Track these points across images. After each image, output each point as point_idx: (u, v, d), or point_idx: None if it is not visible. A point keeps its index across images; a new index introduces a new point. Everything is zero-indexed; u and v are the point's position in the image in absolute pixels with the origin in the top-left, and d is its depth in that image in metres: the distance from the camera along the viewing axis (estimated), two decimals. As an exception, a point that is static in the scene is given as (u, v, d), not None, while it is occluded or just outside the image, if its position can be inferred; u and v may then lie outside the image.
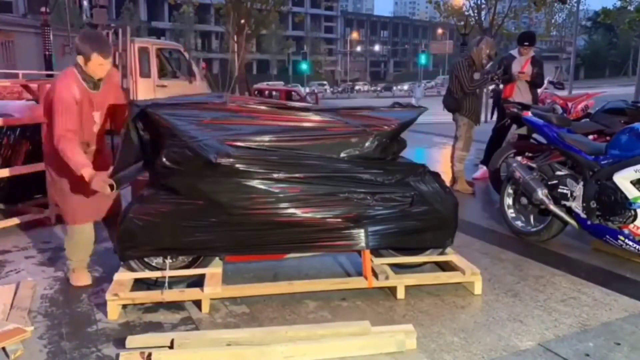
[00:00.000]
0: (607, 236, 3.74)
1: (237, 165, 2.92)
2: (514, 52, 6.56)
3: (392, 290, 3.22)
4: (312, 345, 2.52)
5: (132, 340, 2.56)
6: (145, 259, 3.19)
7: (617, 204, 3.63)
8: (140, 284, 3.15)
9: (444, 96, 6.14)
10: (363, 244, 3.14)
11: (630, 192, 3.55)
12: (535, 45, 6.56)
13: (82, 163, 2.98)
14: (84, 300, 3.18)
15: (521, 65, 6.32)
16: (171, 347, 2.52)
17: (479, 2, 15.30)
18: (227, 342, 2.53)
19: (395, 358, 2.51)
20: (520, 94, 6.27)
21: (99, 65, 3.14)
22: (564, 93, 10.83)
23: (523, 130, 5.56)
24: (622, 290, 3.29)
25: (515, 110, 4.93)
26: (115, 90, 3.47)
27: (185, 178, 2.96)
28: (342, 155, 3.13)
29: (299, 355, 2.48)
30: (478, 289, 3.24)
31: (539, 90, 8.23)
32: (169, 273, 3.05)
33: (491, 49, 5.74)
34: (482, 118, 7.75)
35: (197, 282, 3.13)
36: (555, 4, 22.12)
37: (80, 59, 3.12)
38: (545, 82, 8.58)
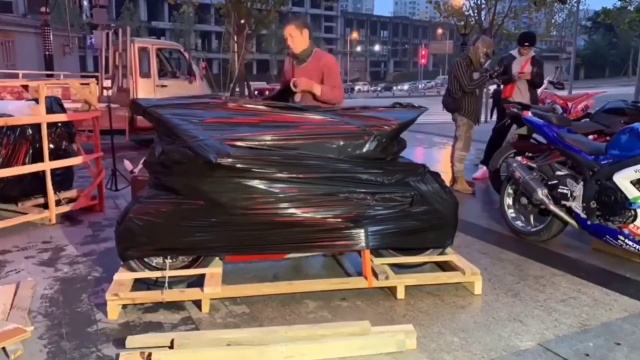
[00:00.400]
0: (607, 236, 3.74)
1: (237, 165, 2.92)
2: (514, 52, 6.56)
3: (392, 290, 3.22)
4: (311, 346, 2.52)
5: (132, 341, 2.56)
6: (145, 259, 3.19)
7: (617, 204, 3.63)
8: (140, 284, 3.15)
9: (443, 96, 6.14)
10: (363, 244, 3.14)
11: (630, 192, 3.55)
12: (536, 45, 6.57)
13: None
14: (84, 300, 3.18)
15: (521, 65, 6.32)
16: (171, 347, 2.52)
17: (479, 2, 15.30)
18: (227, 342, 2.53)
19: (395, 358, 2.51)
20: (520, 94, 6.27)
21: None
22: (564, 93, 10.84)
23: (523, 131, 5.56)
24: (622, 290, 3.29)
25: (515, 110, 4.94)
26: None
27: (185, 178, 2.96)
28: (342, 155, 3.13)
29: (298, 355, 2.48)
30: (478, 289, 3.24)
31: (539, 90, 8.23)
32: (169, 273, 3.05)
33: (488, 47, 5.74)
34: (482, 118, 7.76)
35: (197, 282, 3.13)
36: (555, 4, 22.10)
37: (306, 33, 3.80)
38: (545, 82, 8.58)
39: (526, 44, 6.28)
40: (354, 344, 2.55)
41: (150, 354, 2.40)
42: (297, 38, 3.78)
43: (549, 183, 4.07)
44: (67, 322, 2.91)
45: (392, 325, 2.76)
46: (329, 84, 3.77)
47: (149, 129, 3.18)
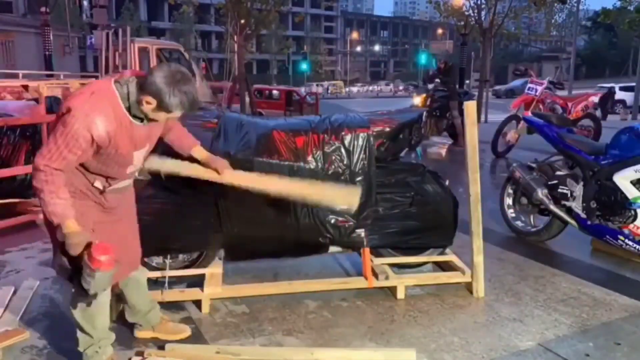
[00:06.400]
0: (607, 236, 3.74)
1: (238, 165, 2.92)
2: None
3: (392, 290, 3.22)
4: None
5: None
6: (145, 259, 3.19)
7: (617, 204, 3.63)
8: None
9: None
10: (363, 244, 3.14)
11: (630, 192, 3.55)
12: None
13: (59, 213, 2.01)
14: (84, 300, 3.18)
15: None
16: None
17: (479, 2, 15.26)
18: None
19: (393, 357, 2.51)
20: None
21: (171, 116, 2.20)
22: (564, 93, 10.84)
23: (523, 131, 5.56)
24: (622, 290, 3.29)
25: None
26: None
27: (185, 177, 2.95)
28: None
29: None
30: (478, 289, 3.24)
31: (538, 90, 8.29)
32: (169, 273, 3.05)
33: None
34: (482, 118, 7.81)
35: (197, 282, 3.13)
36: (555, 4, 22.07)
37: (147, 99, 2.08)
38: (546, 81, 8.60)
39: None
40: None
41: None
42: None
43: (549, 183, 4.07)
44: (67, 322, 2.91)
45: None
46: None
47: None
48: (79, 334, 2.35)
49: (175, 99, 2.07)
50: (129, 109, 2.11)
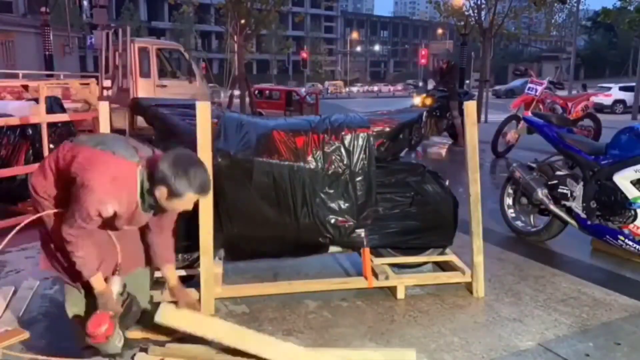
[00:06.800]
0: (607, 236, 3.74)
1: (238, 165, 2.92)
2: None
3: (392, 290, 3.22)
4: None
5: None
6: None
7: (617, 204, 3.63)
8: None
9: None
10: (363, 244, 3.14)
11: (630, 192, 3.55)
12: None
13: (90, 269, 2.22)
14: (84, 300, 3.18)
15: None
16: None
17: (479, 2, 15.26)
18: None
19: (393, 357, 2.50)
20: None
21: (186, 204, 2.17)
22: (564, 93, 10.84)
23: (523, 131, 5.56)
24: (622, 290, 3.29)
25: None
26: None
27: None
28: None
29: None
30: (478, 289, 3.24)
31: (539, 90, 8.29)
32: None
33: None
34: (482, 118, 7.82)
35: (197, 282, 3.12)
36: (555, 4, 22.07)
37: (158, 188, 2.11)
38: (546, 81, 8.60)
39: None
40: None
41: None
42: None
43: (549, 183, 4.07)
44: (67, 322, 2.90)
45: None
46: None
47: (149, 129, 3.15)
48: None
49: (183, 181, 2.06)
50: (142, 196, 2.17)
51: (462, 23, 16.83)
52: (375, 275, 3.18)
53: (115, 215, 2.15)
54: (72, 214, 2.12)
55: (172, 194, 2.09)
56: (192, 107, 3.17)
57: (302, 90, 21.15)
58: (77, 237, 2.15)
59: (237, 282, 3.28)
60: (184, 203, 2.14)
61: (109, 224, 2.23)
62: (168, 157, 2.11)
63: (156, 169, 2.09)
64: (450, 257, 3.47)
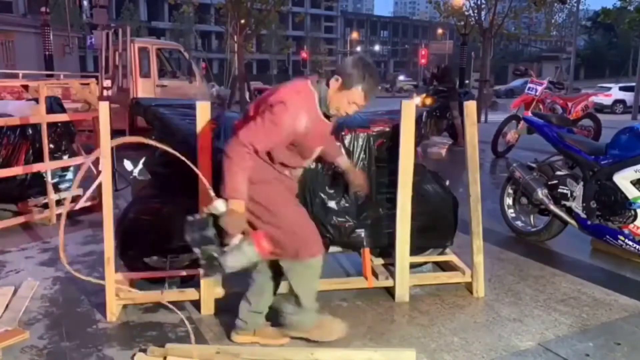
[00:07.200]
0: (607, 236, 3.74)
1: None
2: None
3: (392, 290, 3.21)
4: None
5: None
6: (145, 259, 3.19)
7: (617, 204, 3.63)
8: (140, 284, 3.15)
9: None
10: (363, 244, 3.14)
11: (630, 192, 3.55)
12: None
13: (240, 190, 2.20)
14: (83, 301, 3.18)
15: None
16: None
17: (479, 2, 15.28)
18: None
19: (393, 357, 2.50)
20: None
21: (351, 103, 2.35)
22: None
23: (523, 131, 5.56)
24: (622, 290, 3.29)
25: None
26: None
27: (185, 177, 2.95)
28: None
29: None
30: (478, 289, 3.24)
31: (539, 90, 8.30)
32: (169, 273, 3.05)
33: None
34: (482, 118, 7.83)
35: (197, 282, 3.12)
36: (555, 4, 22.09)
37: (335, 82, 2.32)
38: (546, 81, 8.60)
39: None
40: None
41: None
42: None
43: (549, 183, 4.07)
44: (67, 322, 2.91)
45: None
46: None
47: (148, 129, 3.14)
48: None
49: (357, 72, 2.29)
50: (319, 107, 2.37)
51: (462, 23, 16.84)
52: (375, 275, 3.17)
53: (308, 136, 2.32)
54: (261, 126, 2.23)
55: (345, 85, 2.30)
56: (192, 107, 3.19)
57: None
58: (238, 156, 2.19)
59: (237, 283, 3.27)
60: (351, 95, 2.32)
61: (305, 153, 2.44)
62: (354, 56, 2.41)
63: (340, 63, 2.36)
64: (450, 257, 3.47)
